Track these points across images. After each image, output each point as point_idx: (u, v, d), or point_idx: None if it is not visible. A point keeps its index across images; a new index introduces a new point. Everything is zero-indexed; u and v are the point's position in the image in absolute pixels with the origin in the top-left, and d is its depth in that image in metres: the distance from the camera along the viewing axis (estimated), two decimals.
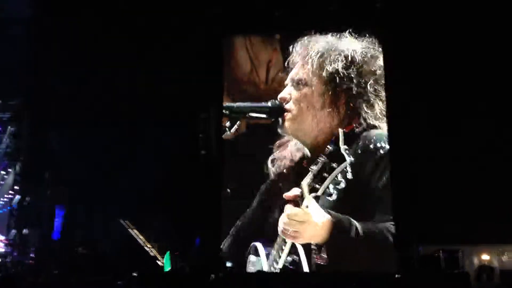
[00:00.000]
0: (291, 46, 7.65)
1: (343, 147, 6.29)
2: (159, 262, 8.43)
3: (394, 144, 7.51)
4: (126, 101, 8.83)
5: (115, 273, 6.96)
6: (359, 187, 6.99)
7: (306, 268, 7.04)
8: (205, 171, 8.52)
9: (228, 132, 7.42)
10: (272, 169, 7.65)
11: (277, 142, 7.66)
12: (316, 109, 7.33)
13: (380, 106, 7.46)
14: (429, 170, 8.16)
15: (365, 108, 7.25)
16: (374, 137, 7.10)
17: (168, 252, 7.75)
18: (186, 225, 8.54)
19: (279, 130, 7.51)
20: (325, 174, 6.28)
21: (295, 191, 6.68)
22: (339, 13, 8.18)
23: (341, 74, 7.23)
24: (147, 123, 8.87)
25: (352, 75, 7.25)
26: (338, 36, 7.51)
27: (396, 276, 7.11)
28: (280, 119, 7.44)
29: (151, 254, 8.61)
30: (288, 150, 7.58)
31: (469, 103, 8.36)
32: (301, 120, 7.37)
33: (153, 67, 8.78)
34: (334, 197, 6.47)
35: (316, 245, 6.96)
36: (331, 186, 6.30)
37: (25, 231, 8.63)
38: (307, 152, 7.44)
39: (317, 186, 6.35)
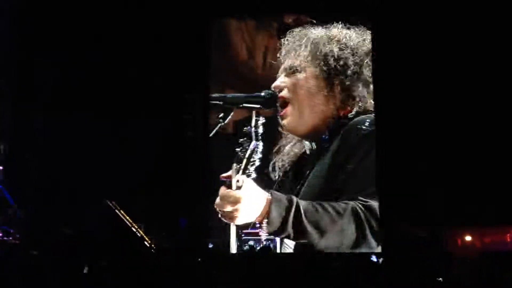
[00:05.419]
0: (282, 38, 7.58)
1: (253, 128, 6.75)
2: (146, 243, 8.44)
3: (380, 124, 7.52)
4: (110, 82, 8.81)
5: (100, 254, 6.96)
6: (333, 169, 6.99)
7: None
8: (192, 151, 8.53)
9: (222, 122, 7.29)
10: (274, 174, 7.55)
11: (275, 147, 7.54)
12: (312, 93, 7.24)
13: None
14: (415, 151, 8.21)
15: (361, 88, 7.17)
16: (357, 121, 7.07)
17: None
18: (173, 206, 8.56)
19: (279, 128, 7.43)
20: (241, 155, 6.71)
21: (229, 172, 6.85)
22: None
23: (336, 55, 7.17)
24: (132, 104, 8.85)
25: (348, 55, 7.19)
26: (329, 26, 7.47)
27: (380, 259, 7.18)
28: (279, 117, 7.36)
29: (138, 235, 8.60)
30: (286, 152, 7.51)
31: (457, 87, 8.39)
32: (299, 109, 7.26)
33: (139, 46, 8.74)
34: (253, 176, 6.78)
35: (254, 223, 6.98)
36: (250, 167, 6.71)
37: (9, 211, 8.61)
38: (308, 145, 7.39)
39: (237, 166, 6.71)
